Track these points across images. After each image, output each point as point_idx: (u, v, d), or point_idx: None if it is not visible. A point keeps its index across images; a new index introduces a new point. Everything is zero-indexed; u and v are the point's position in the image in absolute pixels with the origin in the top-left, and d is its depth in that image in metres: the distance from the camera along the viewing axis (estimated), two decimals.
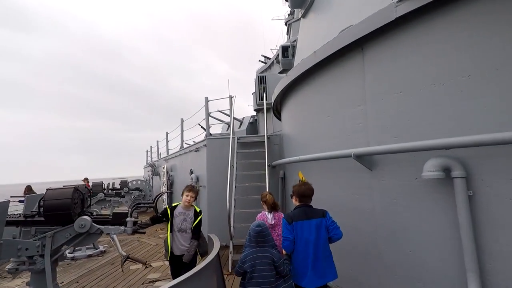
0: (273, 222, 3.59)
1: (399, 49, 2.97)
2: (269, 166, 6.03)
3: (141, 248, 7.05)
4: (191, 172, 7.82)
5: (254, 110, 15.82)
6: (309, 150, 4.47)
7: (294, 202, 2.94)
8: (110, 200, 6.52)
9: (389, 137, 3.06)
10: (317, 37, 5.22)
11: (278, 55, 18.23)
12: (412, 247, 2.83)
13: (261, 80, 10.90)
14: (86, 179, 10.54)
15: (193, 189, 3.86)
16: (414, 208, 2.84)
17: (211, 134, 11.11)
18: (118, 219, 2.73)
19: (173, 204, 3.82)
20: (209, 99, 7.17)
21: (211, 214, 6.41)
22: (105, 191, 7.10)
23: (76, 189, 2.73)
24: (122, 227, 2.71)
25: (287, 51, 7.31)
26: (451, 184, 2.43)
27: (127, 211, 2.88)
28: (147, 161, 18.66)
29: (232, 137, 6.25)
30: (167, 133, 12.13)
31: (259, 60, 21.00)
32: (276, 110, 7.15)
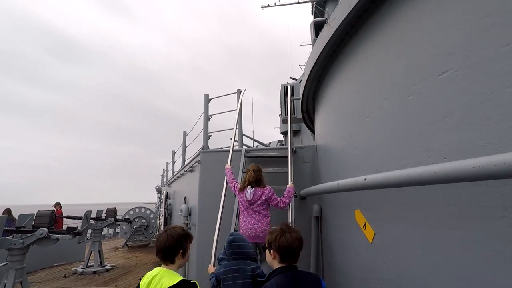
0: (250, 198, 3.01)
1: None
2: (295, 196, 3.60)
3: None
4: (184, 202, 5.54)
5: (281, 133, 13.94)
6: (379, 164, 2.03)
7: (270, 260, 1.79)
8: (57, 239, 4.40)
9: None
10: None
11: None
12: None
13: (287, 91, 8.84)
14: (58, 204, 8.60)
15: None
16: None
17: (222, 147, 8.84)
18: None
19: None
20: (211, 97, 5.03)
21: (201, 275, 3.95)
22: (49, 223, 4.95)
23: None
24: None
25: (321, 29, 5.16)
26: None
27: None
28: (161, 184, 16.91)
29: (233, 149, 3.94)
30: (173, 152, 10.13)
31: (288, 83, 19.54)
32: (307, 113, 4.83)
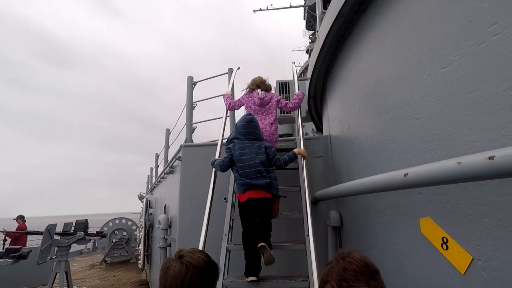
0: (263, 97, 2.96)
1: None
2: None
3: None
4: (164, 211, 4.55)
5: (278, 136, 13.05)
6: (472, 139, 1.15)
7: None
8: None
9: None
10: None
11: (302, 73, 15.44)
12: None
13: (283, 88, 8.05)
14: (20, 218, 7.37)
15: None
16: None
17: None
18: None
19: None
20: (196, 81, 4.10)
21: None
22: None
23: None
24: None
25: (329, 2, 4.38)
26: None
27: None
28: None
29: (222, 142, 3.02)
30: (156, 155, 9.07)
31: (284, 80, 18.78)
32: (313, 99, 3.98)
